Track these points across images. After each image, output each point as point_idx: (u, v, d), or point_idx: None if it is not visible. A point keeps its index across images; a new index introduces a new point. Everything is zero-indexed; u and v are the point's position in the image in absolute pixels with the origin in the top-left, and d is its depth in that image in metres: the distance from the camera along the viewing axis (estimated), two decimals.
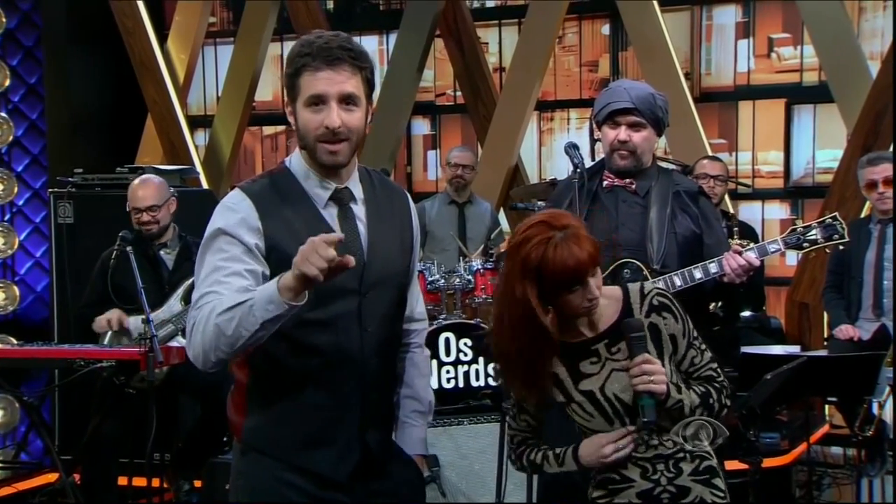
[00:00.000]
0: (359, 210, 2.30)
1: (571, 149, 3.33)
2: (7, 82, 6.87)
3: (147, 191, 4.53)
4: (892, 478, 4.78)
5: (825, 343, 5.35)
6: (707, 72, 6.84)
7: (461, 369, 4.74)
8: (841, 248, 3.30)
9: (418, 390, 2.47)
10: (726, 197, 5.57)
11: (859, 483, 4.80)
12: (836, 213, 3.24)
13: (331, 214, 2.26)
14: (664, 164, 3.64)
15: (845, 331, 4.82)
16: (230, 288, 2.12)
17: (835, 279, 5.05)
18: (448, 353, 4.73)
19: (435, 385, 4.69)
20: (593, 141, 3.55)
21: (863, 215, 5.36)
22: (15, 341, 5.98)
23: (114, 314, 4.35)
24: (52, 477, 4.97)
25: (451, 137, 7.48)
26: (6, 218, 6.95)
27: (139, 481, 4.29)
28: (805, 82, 6.59)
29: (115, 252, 4.45)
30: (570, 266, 2.17)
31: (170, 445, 4.65)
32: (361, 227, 2.29)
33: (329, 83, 2.17)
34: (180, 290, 4.57)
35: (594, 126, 3.31)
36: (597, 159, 3.45)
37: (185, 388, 4.67)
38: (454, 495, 4.28)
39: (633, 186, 3.22)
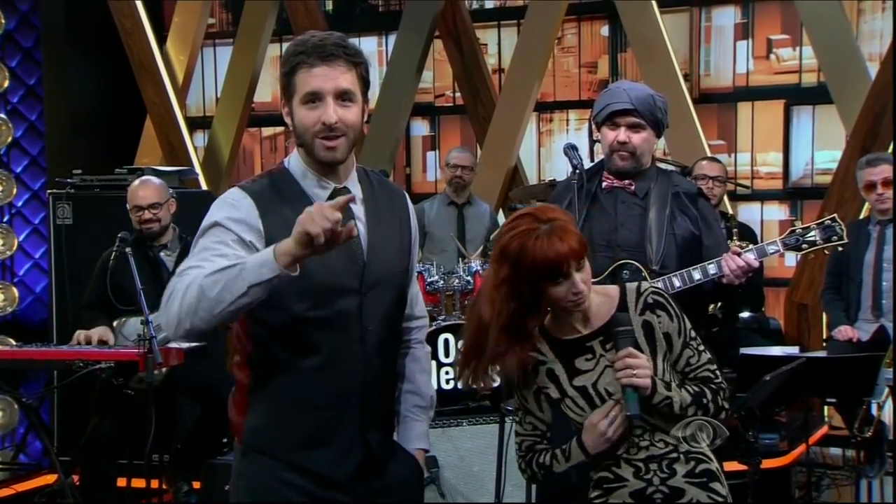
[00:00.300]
0: (358, 210, 2.29)
1: (570, 150, 3.33)
2: (6, 83, 6.86)
3: (148, 190, 4.57)
4: (891, 479, 4.78)
5: (824, 344, 5.35)
6: (706, 73, 6.84)
7: None
8: (840, 249, 3.30)
9: (420, 385, 2.48)
10: (725, 198, 5.57)
11: (858, 484, 4.80)
12: (835, 215, 3.24)
13: None
14: (663, 166, 3.64)
15: (844, 332, 4.82)
16: (217, 266, 2.09)
17: (834, 280, 5.05)
18: (447, 355, 4.73)
19: (434, 386, 4.68)
20: (592, 142, 3.56)
21: (862, 216, 5.36)
22: (14, 342, 5.98)
23: (95, 333, 4.33)
24: (50, 478, 4.97)
25: (450, 138, 7.48)
26: (5, 219, 6.94)
27: (138, 482, 4.28)
28: (804, 83, 6.59)
29: (114, 253, 4.45)
30: (549, 258, 2.19)
31: (169, 446, 4.65)
32: (361, 227, 2.28)
33: (324, 79, 2.17)
34: None
35: (593, 127, 3.31)
36: (596, 160, 3.46)
37: (184, 390, 4.67)
38: (453, 496, 4.28)
39: (633, 187, 3.22)
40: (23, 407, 4.98)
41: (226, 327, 5.05)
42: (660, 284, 3.03)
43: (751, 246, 3.22)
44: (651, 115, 3.16)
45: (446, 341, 4.74)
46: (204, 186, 6.98)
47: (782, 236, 3.24)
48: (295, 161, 2.29)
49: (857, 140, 5.79)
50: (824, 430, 5.51)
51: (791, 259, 6.10)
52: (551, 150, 7.22)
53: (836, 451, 5.52)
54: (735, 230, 4.95)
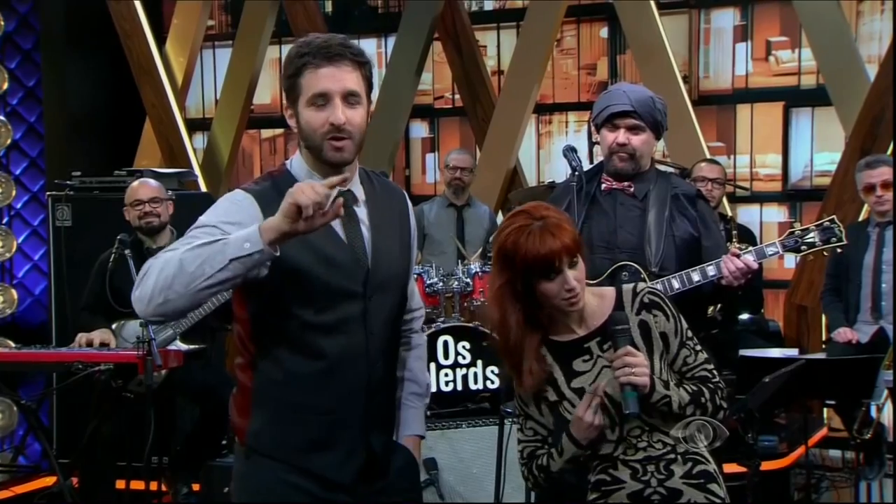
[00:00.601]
0: (361, 212, 2.29)
1: (569, 152, 3.33)
2: (5, 85, 6.86)
3: (148, 186, 4.66)
4: (890, 481, 4.78)
5: (823, 346, 5.35)
6: (705, 75, 6.84)
7: (459, 372, 4.74)
8: (839, 251, 3.30)
9: (416, 373, 2.49)
10: (724, 200, 5.57)
11: (858, 486, 4.79)
12: (834, 216, 3.25)
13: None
14: (662, 168, 3.64)
15: (843, 334, 4.83)
16: (200, 242, 2.06)
17: (833, 282, 5.05)
18: (446, 356, 4.73)
19: (433, 388, 4.69)
20: (592, 144, 3.57)
21: (861, 218, 5.36)
22: (13, 344, 5.97)
23: (96, 336, 4.33)
24: (49, 480, 4.96)
25: (449, 140, 7.49)
26: (4, 221, 6.94)
27: (137, 485, 4.27)
28: (803, 85, 6.59)
29: (113, 255, 4.46)
30: (540, 253, 2.21)
31: (168, 449, 4.65)
32: (365, 231, 2.28)
33: (332, 80, 2.16)
34: None
35: (593, 129, 3.31)
36: (595, 162, 3.46)
37: (184, 392, 4.67)
38: (452, 498, 4.28)
39: (632, 189, 3.22)
40: (22, 409, 4.98)
41: (226, 329, 5.08)
42: (659, 286, 3.04)
43: (750, 248, 3.22)
44: (650, 117, 3.16)
45: (445, 343, 4.74)
46: (203, 188, 6.98)
47: (781, 238, 3.24)
48: (297, 163, 2.28)
49: (856, 142, 5.80)
50: (823, 432, 5.51)
51: (790, 261, 6.10)
52: (550, 152, 7.22)
53: (835, 453, 5.52)
54: (735, 232, 4.95)
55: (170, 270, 2.00)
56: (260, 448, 2.27)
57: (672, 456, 2.32)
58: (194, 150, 7.49)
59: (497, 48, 7.39)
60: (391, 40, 7.27)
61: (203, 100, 8.12)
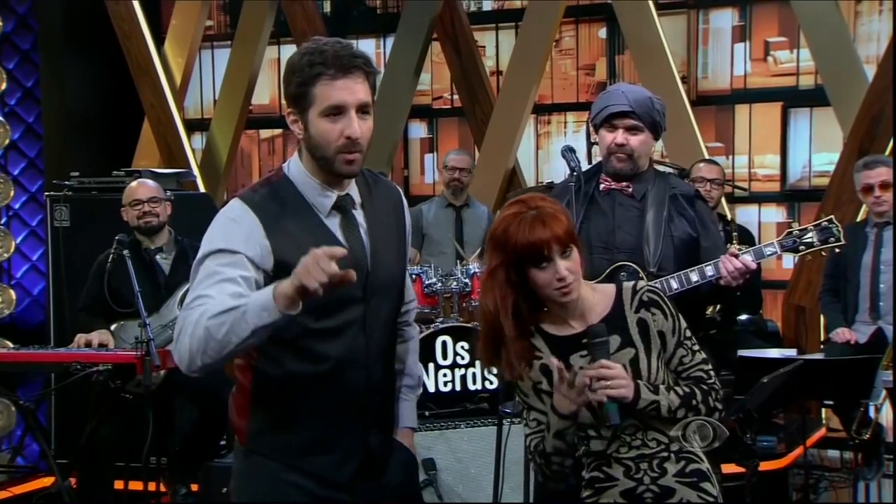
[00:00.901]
0: (359, 216, 2.31)
1: (568, 152, 3.33)
2: (3, 86, 6.85)
3: (146, 186, 4.67)
4: (888, 481, 4.78)
5: (822, 346, 5.35)
6: (704, 75, 6.85)
7: (458, 373, 4.74)
8: (837, 251, 3.30)
9: (409, 365, 2.52)
10: (723, 200, 5.58)
11: (856, 486, 4.80)
12: (833, 217, 3.25)
13: (334, 223, 2.27)
14: (661, 168, 3.64)
15: (842, 334, 4.83)
16: (223, 292, 2.10)
17: (831, 282, 5.05)
18: (445, 357, 4.73)
19: (432, 388, 4.69)
20: (590, 144, 3.56)
21: (859, 219, 5.36)
22: (11, 345, 5.96)
23: (95, 336, 4.33)
24: (48, 481, 4.96)
25: (448, 141, 7.49)
26: (2, 221, 6.93)
27: (135, 485, 4.29)
28: (801, 86, 6.60)
29: (111, 256, 4.46)
30: (529, 241, 2.24)
31: (166, 449, 4.65)
32: (363, 235, 2.30)
33: (348, 92, 2.17)
34: (178, 295, 4.58)
35: (591, 129, 3.31)
36: (594, 162, 3.46)
37: (182, 392, 4.67)
38: (450, 498, 4.28)
39: (630, 190, 3.22)
40: (20, 409, 4.98)
41: None
42: (657, 286, 3.03)
43: (748, 248, 3.22)
44: (649, 118, 3.16)
45: (444, 344, 4.74)
46: (202, 189, 6.98)
47: (780, 238, 3.24)
48: (296, 168, 2.28)
49: (854, 142, 5.80)
50: (822, 432, 5.51)
51: (789, 261, 6.11)
52: (549, 152, 7.22)
53: (833, 453, 5.52)
54: (734, 233, 4.95)
55: (200, 336, 2.06)
56: (259, 448, 2.28)
57: (665, 454, 2.32)
58: (193, 150, 7.49)
59: (496, 48, 7.39)
60: (390, 41, 7.27)
61: (202, 100, 8.12)
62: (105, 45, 7.29)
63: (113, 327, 4.51)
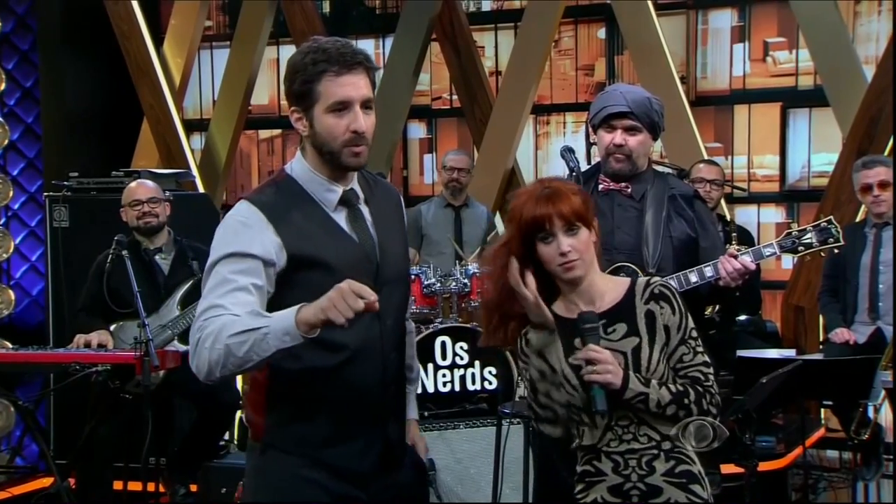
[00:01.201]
0: (364, 210, 2.37)
1: (567, 152, 3.33)
2: (2, 86, 6.85)
3: (145, 187, 4.68)
4: (887, 481, 4.78)
5: (821, 346, 5.35)
6: (703, 76, 6.85)
7: (457, 373, 4.74)
8: (836, 251, 3.30)
9: (410, 360, 2.58)
10: (722, 201, 5.58)
11: (855, 487, 4.80)
12: (832, 217, 3.25)
13: (340, 217, 2.33)
14: (660, 168, 3.65)
15: (841, 334, 4.83)
16: (236, 302, 2.15)
17: (830, 283, 5.06)
18: (444, 357, 4.74)
19: (431, 389, 4.69)
20: (589, 144, 3.56)
21: (858, 219, 5.37)
22: (10, 345, 5.96)
23: (94, 337, 4.34)
24: (47, 481, 4.96)
25: (447, 141, 7.48)
26: (2, 222, 6.93)
27: (134, 486, 4.29)
28: (800, 86, 6.60)
29: (110, 256, 4.46)
30: (534, 214, 2.32)
31: (165, 450, 4.65)
32: (370, 228, 2.36)
33: (353, 88, 2.25)
34: (178, 295, 4.59)
35: (590, 130, 3.31)
36: (593, 163, 3.46)
37: (181, 393, 4.67)
38: (450, 498, 4.29)
39: (629, 190, 3.22)
40: (19, 410, 4.98)
41: None
42: (671, 283, 3.04)
43: (747, 249, 3.22)
44: (647, 118, 3.16)
45: (443, 344, 4.74)
46: (201, 189, 6.97)
47: (779, 239, 3.24)
48: (299, 167, 2.33)
49: (853, 142, 5.80)
50: (821, 432, 5.51)
51: (788, 261, 6.11)
52: (548, 153, 7.22)
53: (832, 453, 5.52)
54: (734, 234, 4.94)
55: (219, 352, 2.11)
56: (278, 443, 2.30)
57: (655, 451, 2.33)
58: (192, 150, 7.49)
59: (495, 49, 7.39)
60: (389, 41, 7.27)
61: (201, 100, 8.12)
62: (104, 46, 7.29)
63: (112, 328, 4.51)
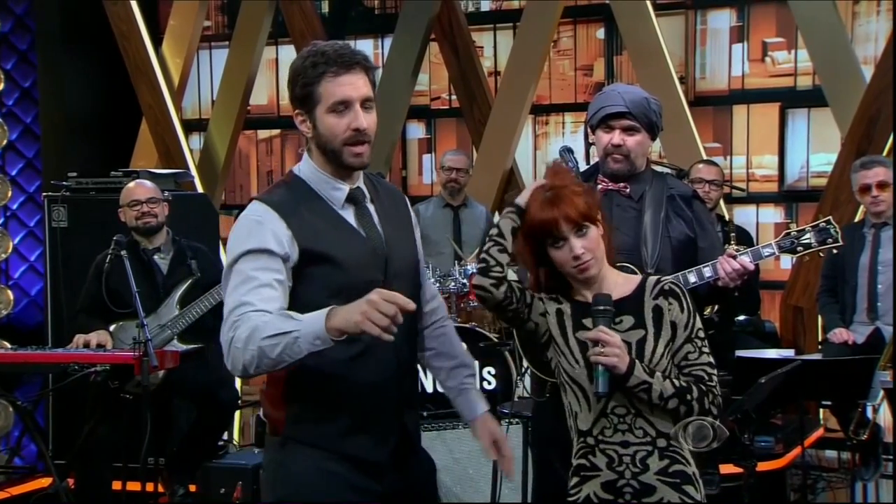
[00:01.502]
0: (370, 208, 2.44)
1: (566, 153, 3.33)
2: (1, 86, 6.85)
3: (144, 187, 4.68)
4: (885, 481, 4.79)
5: (819, 347, 5.36)
6: (701, 76, 6.85)
7: None
8: (835, 251, 3.31)
9: (462, 357, 2.66)
10: (721, 201, 5.58)
11: (854, 487, 4.81)
12: (830, 217, 3.25)
13: (349, 214, 2.40)
14: (659, 168, 3.65)
15: (840, 334, 4.83)
16: (262, 298, 2.22)
17: (829, 283, 5.06)
18: None
19: (430, 389, 4.69)
20: (588, 145, 3.57)
21: (857, 219, 5.37)
22: (9, 345, 5.96)
23: (93, 337, 4.34)
24: (45, 482, 4.96)
25: (446, 141, 7.48)
26: (0, 222, 6.93)
27: (133, 486, 4.28)
28: (799, 86, 6.60)
29: (109, 256, 4.46)
30: (540, 219, 2.36)
31: (164, 450, 4.65)
32: (377, 224, 2.43)
33: (352, 87, 2.31)
34: (177, 295, 4.59)
35: (588, 130, 3.31)
36: (592, 163, 3.46)
37: (180, 393, 4.67)
38: (448, 499, 4.29)
39: (628, 191, 3.22)
40: (18, 410, 4.98)
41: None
42: (681, 281, 3.05)
43: (746, 249, 3.22)
44: (645, 118, 3.16)
45: None
46: (200, 189, 6.97)
47: (777, 239, 3.24)
48: (306, 167, 2.41)
49: (851, 143, 5.81)
50: (820, 432, 5.51)
51: (786, 262, 6.11)
52: (547, 153, 7.22)
53: (831, 453, 5.52)
54: (733, 235, 4.94)
55: (253, 353, 2.17)
56: (298, 436, 2.36)
57: (650, 448, 2.33)
58: (191, 150, 7.48)
59: (494, 49, 7.39)
60: (388, 41, 7.27)
61: (199, 101, 8.11)
62: (103, 46, 7.29)
63: (112, 328, 4.51)
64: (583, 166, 3.35)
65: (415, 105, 7.32)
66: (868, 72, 5.98)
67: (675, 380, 2.33)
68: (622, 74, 7.00)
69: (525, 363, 3.65)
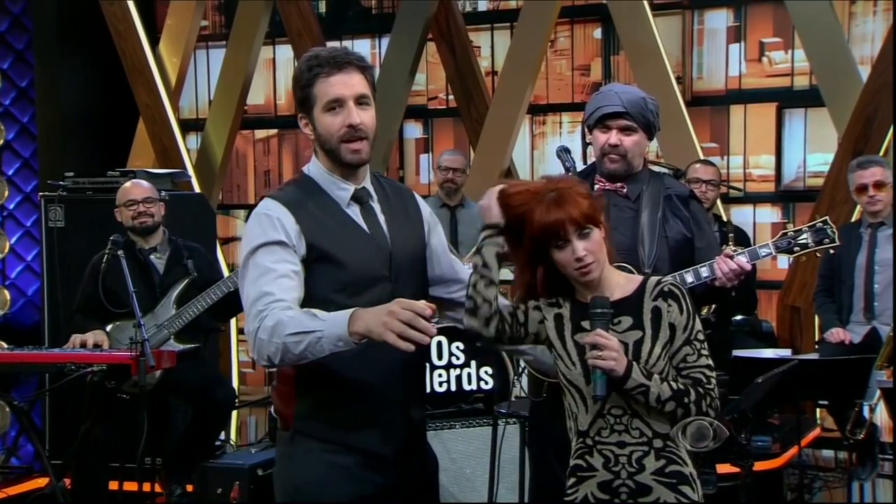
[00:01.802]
0: (376, 206, 2.51)
1: (563, 152, 3.34)
2: None
3: (140, 187, 4.68)
4: (882, 481, 4.79)
5: (816, 346, 5.36)
6: (699, 76, 6.85)
7: (453, 373, 4.74)
8: (832, 251, 3.31)
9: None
10: (718, 201, 5.58)
11: (850, 486, 4.81)
12: (827, 217, 3.25)
13: (355, 212, 2.46)
14: (656, 168, 3.65)
15: (836, 334, 4.84)
16: (283, 288, 2.29)
17: (826, 283, 5.06)
18: (440, 357, 4.73)
19: (427, 389, 4.69)
20: (585, 144, 3.57)
21: (853, 219, 5.37)
22: (5, 345, 5.95)
23: (90, 337, 4.33)
24: (42, 482, 4.95)
25: (443, 141, 7.49)
26: None
27: (130, 486, 4.28)
28: (796, 86, 6.61)
29: (105, 256, 4.45)
30: (545, 221, 2.35)
31: (161, 450, 4.65)
32: (382, 221, 2.49)
33: (344, 86, 2.37)
34: (173, 294, 4.58)
35: (585, 130, 3.31)
36: (589, 163, 3.46)
37: (177, 393, 4.67)
38: (445, 498, 4.28)
39: (625, 190, 3.22)
40: (14, 410, 4.96)
41: (219, 330, 5.11)
42: (681, 282, 3.05)
43: (743, 249, 3.22)
44: (642, 118, 3.16)
45: (439, 344, 4.73)
46: (197, 189, 6.96)
47: (774, 239, 3.24)
48: (315, 168, 2.49)
49: (848, 143, 5.81)
50: (816, 432, 5.52)
51: (783, 261, 6.12)
52: (544, 153, 7.22)
53: (828, 453, 5.53)
54: (731, 235, 4.95)
55: (278, 344, 2.24)
56: (308, 430, 2.41)
57: (646, 448, 2.33)
58: (188, 150, 7.47)
59: (491, 49, 7.39)
60: (385, 41, 7.27)
61: (196, 100, 8.11)
62: (100, 46, 7.28)
63: (109, 328, 4.50)
64: (580, 166, 3.35)
65: (412, 105, 7.32)
66: (865, 72, 5.98)
67: (672, 382, 2.32)
68: (619, 74, 7.00)
69: (522, 363, 3.65)
